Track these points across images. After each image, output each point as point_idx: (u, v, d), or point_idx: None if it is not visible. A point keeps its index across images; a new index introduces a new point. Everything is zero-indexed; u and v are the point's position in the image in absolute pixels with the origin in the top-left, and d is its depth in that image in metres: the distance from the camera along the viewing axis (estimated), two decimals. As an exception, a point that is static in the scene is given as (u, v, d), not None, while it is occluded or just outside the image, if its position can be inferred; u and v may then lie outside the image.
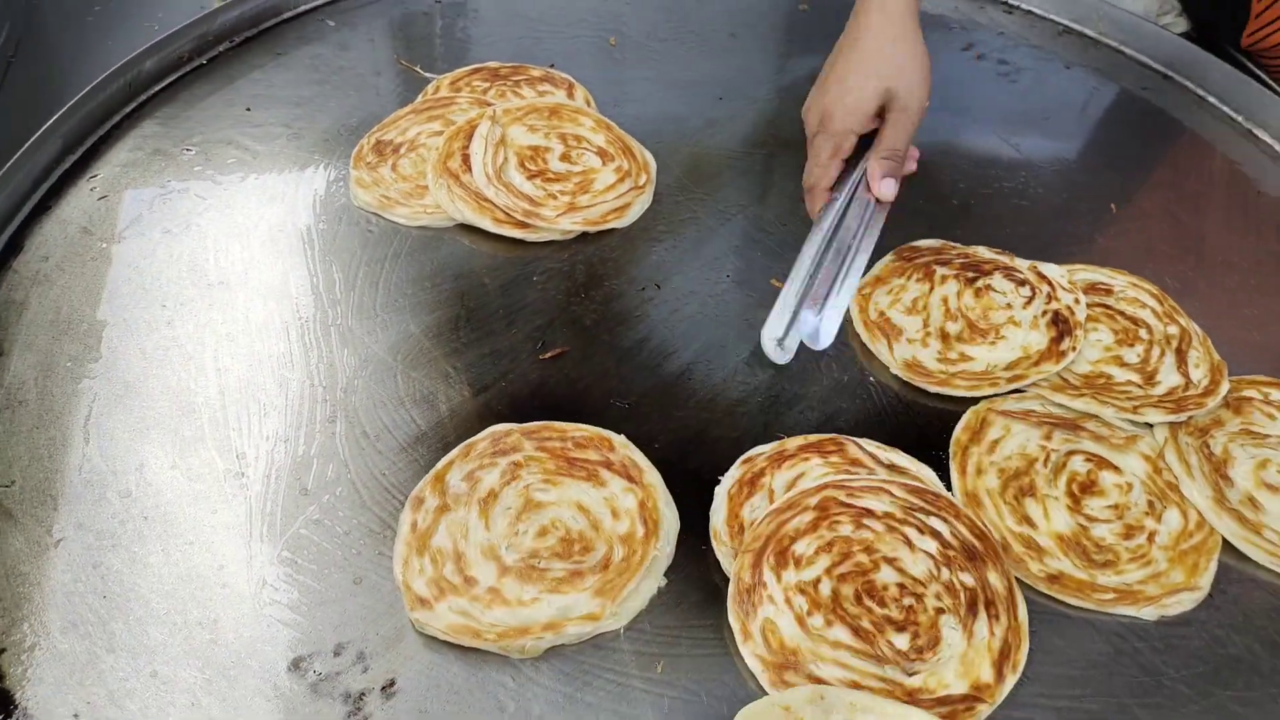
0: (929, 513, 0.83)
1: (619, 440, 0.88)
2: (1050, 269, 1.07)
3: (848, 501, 0.83)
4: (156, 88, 1.27)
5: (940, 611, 0.78)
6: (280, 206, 1.12)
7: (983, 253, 1.10)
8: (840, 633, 0.76)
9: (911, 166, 1.11)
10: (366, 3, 1.45)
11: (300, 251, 1.07)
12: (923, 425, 0.95)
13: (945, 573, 0.80)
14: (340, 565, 0.81)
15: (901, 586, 0.79)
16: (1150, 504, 0.88)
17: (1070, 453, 0.92)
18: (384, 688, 0.74)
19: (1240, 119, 1.33)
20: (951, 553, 0.81)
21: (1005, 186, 1.22)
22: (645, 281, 1.08)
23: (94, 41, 1.42)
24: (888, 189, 1.02)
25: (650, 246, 1.12)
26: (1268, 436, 0.94)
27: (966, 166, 1.25)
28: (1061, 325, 1.01)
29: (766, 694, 0.74)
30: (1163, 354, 1.00)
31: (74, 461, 0.87)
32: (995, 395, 0.96)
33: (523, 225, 1.10)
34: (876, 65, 1.02)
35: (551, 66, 1.34)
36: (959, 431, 0.93)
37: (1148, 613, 0.82)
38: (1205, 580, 0.84)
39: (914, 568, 0.80)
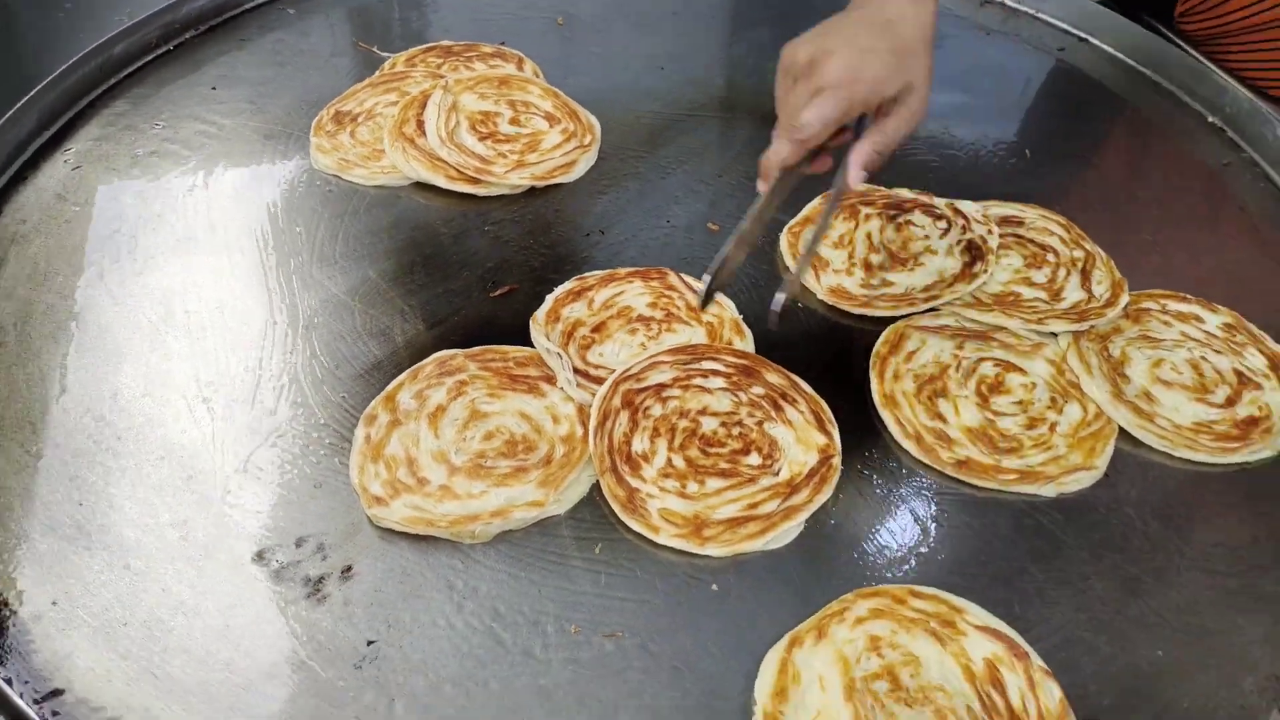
0: (699, 359, 0.96)
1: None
2: (966, 205, 1.15)
3: (639, 387, 0.94)
4: (126, 71, 1.34)
5: (760, 423, 0.92)
6: (244, 172, 1.19)
7: (904, 193, 1.18)
8: (714, 482, 0.88)
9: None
10: (326, -8, 1.54)
11: (263, 210, 1.14)
12: (847, 344, 1.02)
13: (742, 394, 0.94)
14: (300, 474, 0.87)
15: (724, 425, 0.92)
16: (1053, 400, 0.96)
17: (980, 359, 0.99)
18: (342, 572, 0.80)
19: (1149, 72, 1.42)
20: (735, 377, 0.95)
21: (927, 139, 1.30)
22: (590, 228, 1.15)
23: (66, 34, 1.49)
24: (861, 180, 0.91)
25: (595, 199, 1.19)
26: (1163, 341, 1.02)
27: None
28: (974, 251, 1.09)
29: (693, 555, 0.83)
30: (1068, 274, 1.08)
31: (51, 393, 0.93)
32: (912, 314, 1.04)
33: (474, 181, 1.17)
34: (908, 57, 0.89)
35: (502, 44, 1.42)
36: (879, 345, 1.00)
37: (1048, 490, 0.89)
38: (1102, 461, 0.91)
39: (720, 405, 0.93)
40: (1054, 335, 1.02)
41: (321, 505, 0.85)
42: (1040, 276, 1.08)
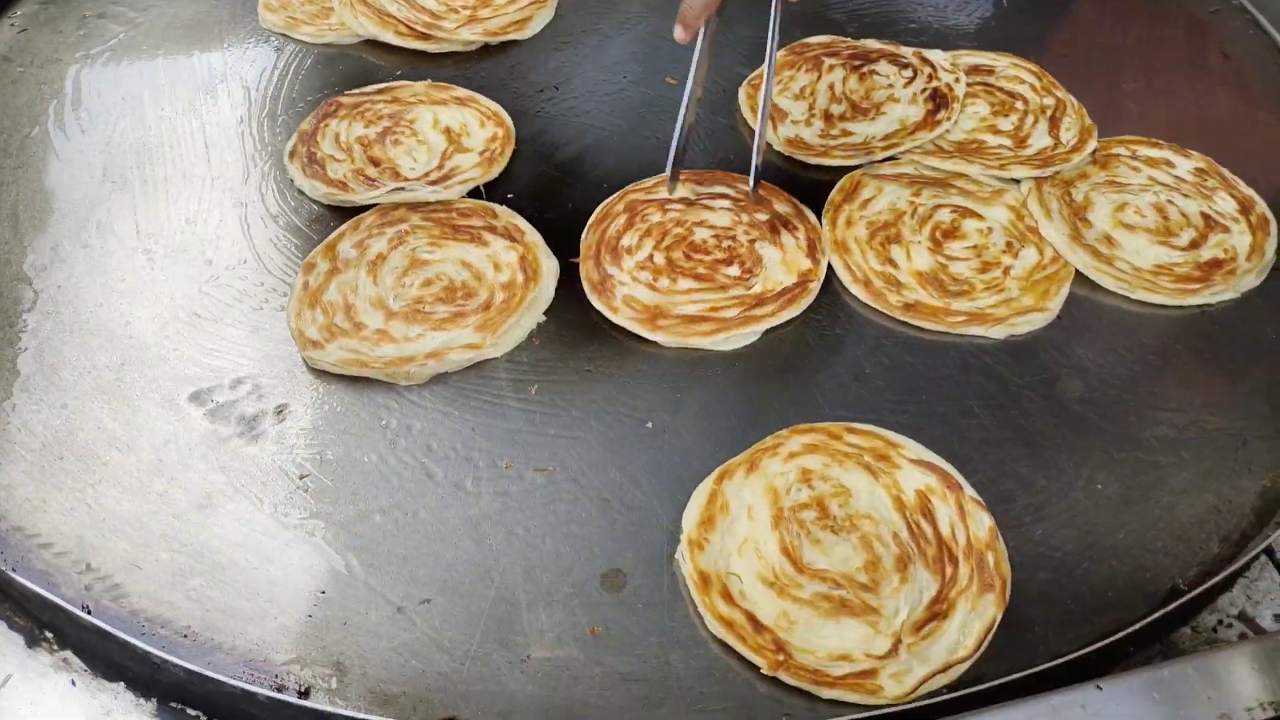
0: (713, 184, 0.98)
1: (503, 210, 0.94)
2: (934, 54, 1.11)
3: (647, 198, 0.96)
4: (75, -64, 1.30)
5: (753, 241, 0.92)
6: (192, 31, 1.16)
7: (871, 44, 1.14)
8: (685, 282, 0.89)
9: None
10: None
11: (209, 70, 1.11)
12: (802, 195, 0.99)
13: (744, 216, 0.94)
14: (238, 320, 0.87)
15: (717, 236, 0.92)
16: (1009, 244, 0.93)
17: (937, 206, 0.96)
18: (276, 411, 0.80)
19: (1139, -79, 1.35)
20: (743, 202, 0.96)
21: (902, -8, 1.25)
22: (544, 84, 1.12)
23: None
24: None
25: (551, 55, 1.15)
26: (1129, 185, 0.98)
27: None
28: (939, 100, 1.05)
29: (642, 340, 0.85)
30: (1036, 122, 1.04)
31: (-8, 245, 0.92)
32: (870, 162, 1.00)
33: (424, 37, 1.13)
34: None
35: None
36: (833, 193, 0.98)
37: (997, 331, 0.87)
38: (1055, 303, 0.89)
39: (719, 221, 0.94)
40: (1016, 182, 0.99)
41: (258, 349, 0.85)
42: (1006, 124, 1.05)
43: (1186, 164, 1.00)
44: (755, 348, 0.86)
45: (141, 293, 0.89)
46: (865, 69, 1.10)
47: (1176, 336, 0.88)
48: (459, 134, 1.03)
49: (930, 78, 1.07)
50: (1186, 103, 1.10)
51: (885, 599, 0.69)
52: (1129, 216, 0.95)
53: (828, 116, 1.06)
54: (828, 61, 1.11)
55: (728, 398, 0.83)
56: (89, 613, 0.68)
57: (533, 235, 0.92)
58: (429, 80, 1.09)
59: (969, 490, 0.75)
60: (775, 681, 0.66)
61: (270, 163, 1.01)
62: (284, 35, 1.16)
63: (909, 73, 1.08)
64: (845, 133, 1.04)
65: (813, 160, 1.02)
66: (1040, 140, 1.02)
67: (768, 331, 0.87)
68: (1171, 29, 1.19)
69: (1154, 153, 1.02)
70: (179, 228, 0.94)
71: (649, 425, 0.81)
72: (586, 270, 0.91)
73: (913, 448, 0.78)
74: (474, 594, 0.70)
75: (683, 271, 0.90)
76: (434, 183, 0.97)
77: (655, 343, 0.86)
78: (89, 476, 0.76)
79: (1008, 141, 1.03)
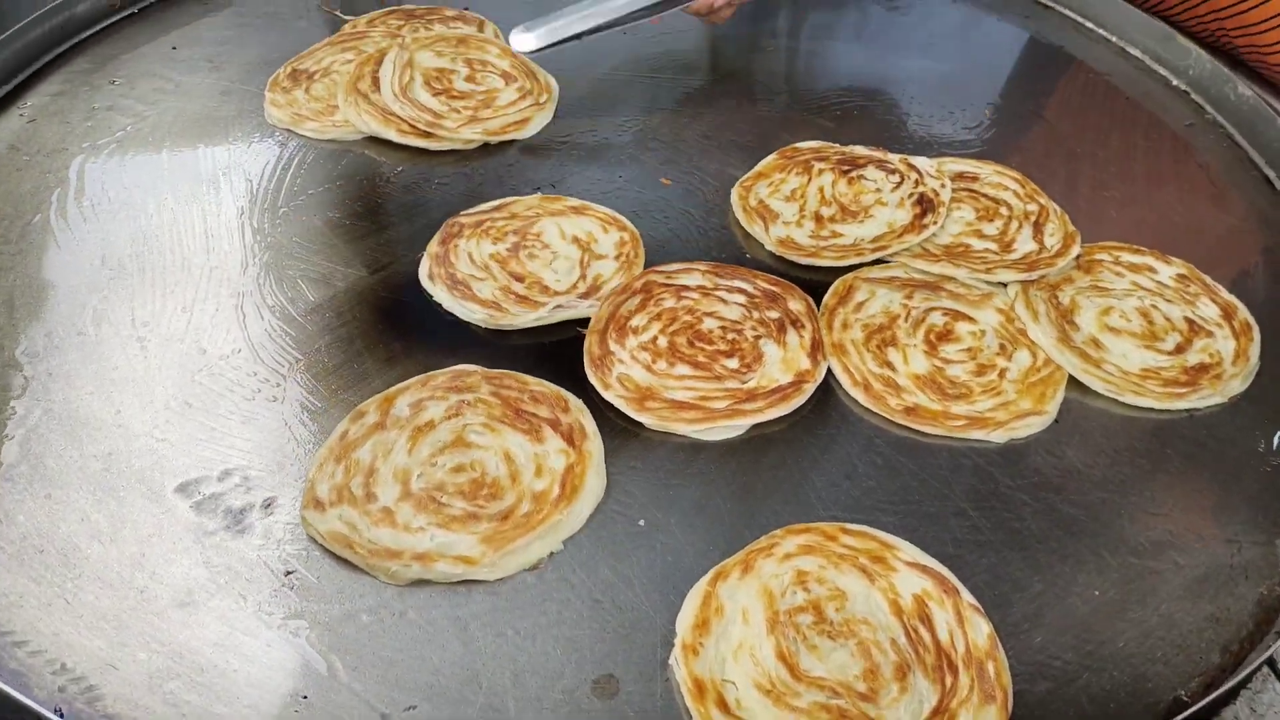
0: (733, 277, 0.99)
1: (576, 404, 0.87)
2: (920, 160, 1.14)
3: (666, 282, 0.98)
4: (89, 31, 1.33)
5: (758, 337, 0.93)
6: (198, 125, 1.19)
7: (859, 150, 1.17)
8: (682, 368, 0.90)
9: None
10: (294, -40, 1.54)
11: (213, 162, 1.13)
12: (794, 293, 1.01)
13: (755, 313, 0.96)
14: (230, 410, 0.86)
15: (724, 328, 0.95)
16: (1002, 346, 0.94)
17: (930, 309, 0.98)
18: (264, 503, 0.79)
19: (1114, 39, 1.41)
20: (758, 299, 0.97)
21: (891, 102, 1.29)
22: (542, 183, 1.14)
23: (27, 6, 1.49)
24: None
25: (549, 155, 1.18)
26: (1113, 290, 1.00)
27: (856, 86, 1.32)
28: (925, 204, 1.07)
29: (633, 433, 0.84)
30: (1020, 227, 1.07)
31: (-14, 331, 0.92)
32: (860, 264, 1.02)
33: (426, 135, 1.16)
34: None
35: (466, 9, 1.42)
36: (827, 297, 0.99)
37: (997, 436, 0.87)
38: (1052, 406, 0.89)
39: (730, 314, 0.96)
40: (1004, 286, 1.00)
41: (249, 440, 0.84)
42: (992, 229, 1.07)
43: (1168, 270, 1.03)
44: (748, 444, 0.86)
45: (134, 381, 0.88)
46: (854, 173, 1.13)
47: (1166, 440, 0.89)
48: (587, 242, 1.04)
49: (916, 183, 1.10)
50: (1166, 211, 1.13)
51: (885, 709, 0.68)
52: (1115, 320, 0.97)
53: (818, 218, 1.08)
54: (817, 165, 1.14)
55: (721, 494, 0.82)
56: (61, 716, 0.65)
57: (594, 444, 0.84)
58: (539, 193, 1.10)
59: (966, 595, 0.74)
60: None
61: (270, 254, 1.02)
62: (288, 131, 1.18)
63: (896, 178, 1.11)
64: (835, 234, 1.07)
65: (804, 260, 1.04)
66: (1025, 245, 1.05)
67: (759, 427, 0.87)
68: (1149, 140, 1.23)
69: (1136, 259, 1.04)
70: (174, 316, 0.94)
71: (641, 523, 0.80)
72: (590, 344, 0.92)
73: (908, 550, 0.77)
74: (462, 700, 0.68)
75: (682, 357, 0.91)
76: (586, 295, 0.97)
77: (648, 436, 0.86)
78: (69, 570, 0.74)
79: (993, 246, 1.05)
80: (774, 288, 0.98)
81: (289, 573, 0.75)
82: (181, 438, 0.84)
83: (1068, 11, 1.46)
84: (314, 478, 0.80)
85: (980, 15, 1.49)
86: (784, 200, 1.11)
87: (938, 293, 1.00)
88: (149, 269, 0.99)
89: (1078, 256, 1.03)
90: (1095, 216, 1.11)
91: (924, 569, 0.76)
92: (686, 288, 0.98)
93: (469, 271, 0.99)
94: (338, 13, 1.40)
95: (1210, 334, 0.96)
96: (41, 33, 1.28)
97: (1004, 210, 1.09)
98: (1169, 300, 0.99)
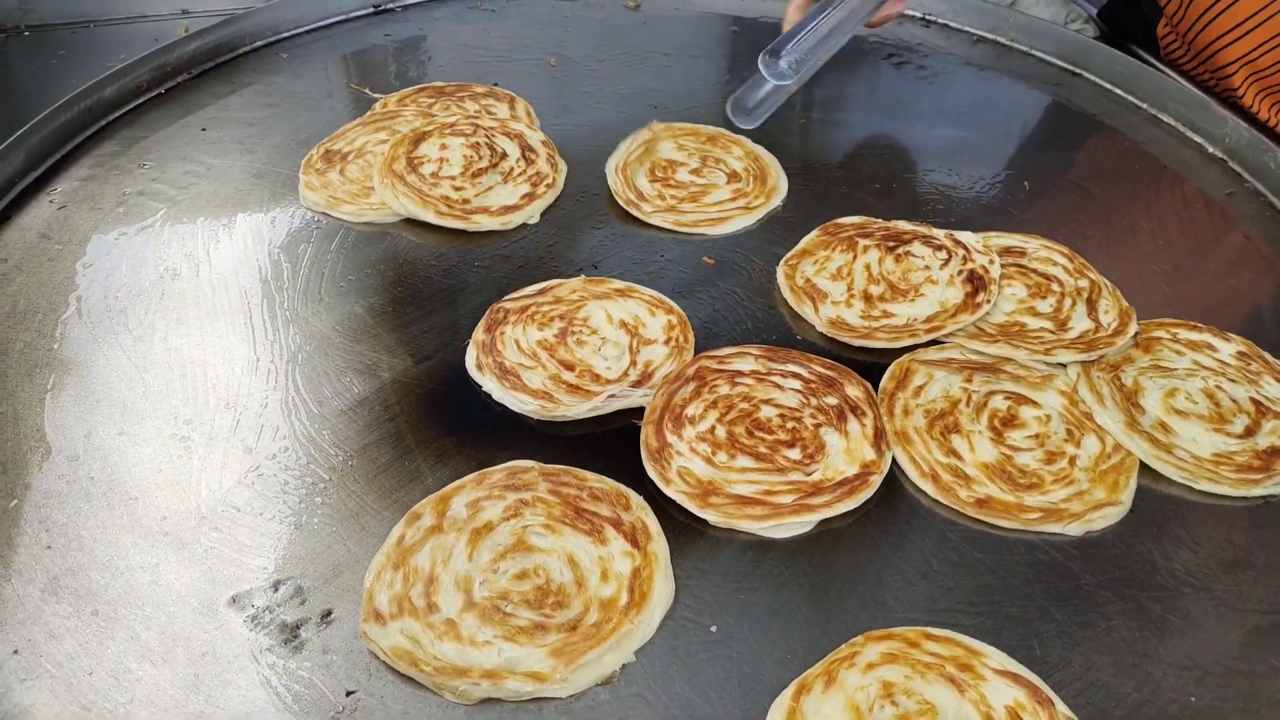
0: (786, 361, 0.97)
1: (637, 501, 0.84)
2: (966, 236, 1.13)
3: (719, 368, 0.96)
4: (116, 114, 1.33)
5: (818, 425, 0.91)
6: (231, 209, 1.17)
7: (902, 225, 1.16)
8: (743, 460, 0.88)
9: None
10: (320, 38, 1.54)
11: (249, 247, 1.12)
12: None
13: (813, 399, 0.94)
14: (280, 515, 0.83)
15: (782, 416, 0.92)
16: (1069, 432, 0.92)
17: (991, 393, 0.96)
18: (321, 617, 0.76)
19: (1146, 106, 1.41)
20: (814, 384, 0.95)
21: (926, 172, 1.29)
22: (583, 263, 1.12)
23: (60, 80, 1.49)
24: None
25: (590, 233, 1.17)
26: (1175, 370, 0.99)
27: (889, 157, 1.32)
28: (976, 282, 1.06)
29: (696, 530, 0.80)
30: (1074, 304, 1.05)
31: (26, 432, 0.89)
32: (915, 346, 1.00)
33: (465, 217, 1.15)
34: None
35: (495, 84, 1.41)
36: (885, 381, 0.97)
37: (1074, 528, 0.84)
38: (1127, 495, 0.87)
39: (787, 401, 0.93)
40: (1063, 366, 0.99)
41: (301, 547, 0.81)
42: (1045, 306, 1.06)
43: (1228, 347, 1.01)
44: (817, 541, 0.84)
45: (178, 484, 0.85)
46: (900, 250, 1.11)
47: (1246, 530, 0.86)
48: (635, 326, 1.02)
49: (965, 259, 1.09)
50: (1216, 283, 1.12)
51: None
52: (1180, 403, 0.95)
53: (867, 297, 1.07)
54: (862, 242, 1.13)
55: (794, 597, 0.79)
56: None
57: (659, 545, 0.81)
58: (582, 275, 1.08)
59: (1061, 707, 0.71)
60: None
61: (313, 345, 0.99)
62: (324, 214, 1.17)
63: (944, 254, 1.10)
64: (886, 314, 1.05)
65: (856, 342, 1.02)
66: (1081, 323, 1.03)
67: (826, 522, 0.85)
68: (1191, 210, 1.22)
69: (1194, 335, 1.02)
70: (218, 413, 0.92)
71: (714, 629, 0.77)
72: (646, 436, 0.89)
73: (996, 656, 0.74)
74: (542, 833, 0.65)
75: (742, 448, 0.89)
76: (638, 382, 0.95)
77: (712, 534, 0.83)
78: (120, 695, 0.71)
79: (1048, 324, 1.03)
80: (830, 372, 0.96)
81: (350, 693, 0.72)
82: (231, 546, 0.81)
83: (1098, 79, 1.47)
84: (372, 588, 0.77)
85: (1009, 83, 1.49)
86: (830, 279, 1.09)
87: (998, 375, 0.98)
88: (189, 363, 0.97)
89: (1136, 334, 1.01)
90: (1144, 290, 1.09)
91: (1015, 678, 0.73)
92: (740, 373, 0.96)
93: (517, 360, 0.97)
94: (367, 90, 1.40)
95: (1278, 415, 0.94)
96: (70, 116, 1.27)
97: (1055, 286, 1.07)
98: (1233, 380, 0.97)
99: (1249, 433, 0.92)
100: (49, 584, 0.77)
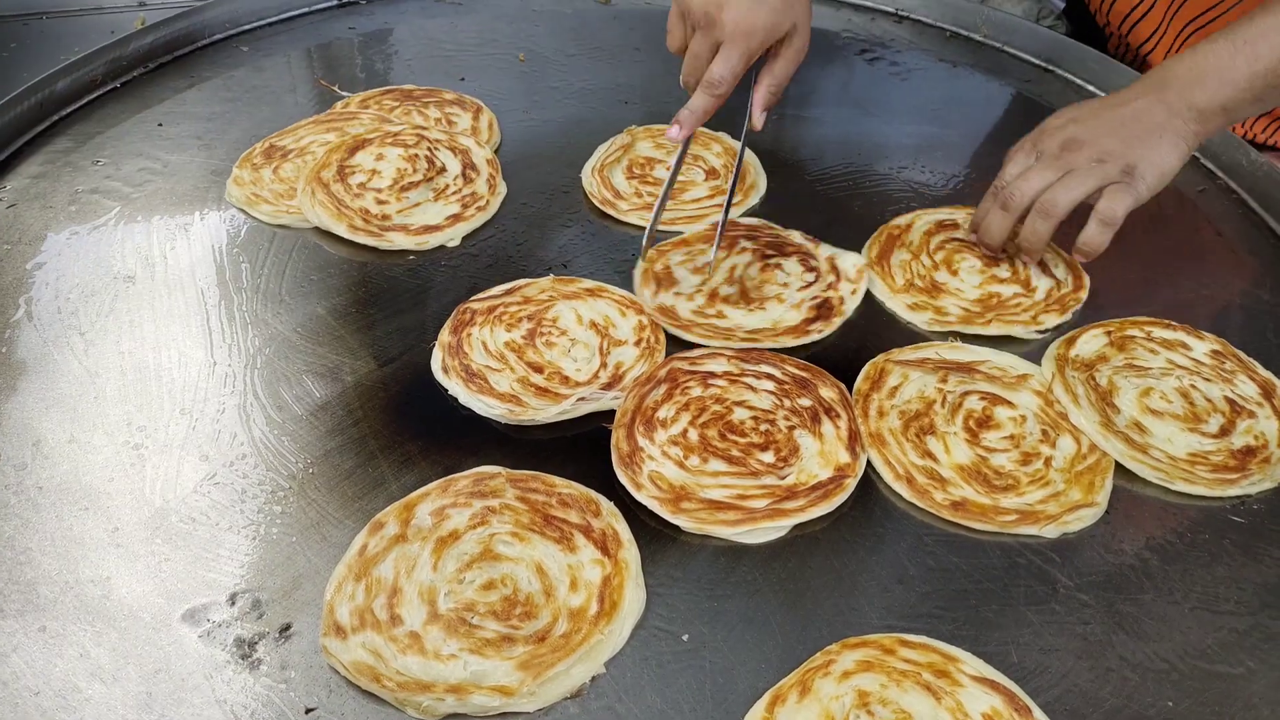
0: (759, 362, 0.96)
1: (607, 507, 0.82)
2: (848, 261, 1.09)
3: (691, 369, 0.94)
4: (69, 109, 1.29)
5: (792, 428, 0.90)
6: (188, 207, 1.14)
7: (795, 237, 1.13)
8: (716, 464, 0.86)
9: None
10: (282, 30, 1.50)
11: (207, 247, 1.08)
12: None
13: (787, 401, 0.92)
14: (237, 523, 0.81)
15: (755, 419, 0.91)
16: (1044, 433, 0.91)
17: (966, 393, 0.95)
18: (279, 632, 0.73)
19: (1117, 104, 1.41)
20: (787, 385, 0.94)
21: (899, 169, 1.28)
22: (552, 262, 1.10)
23: (10, 73, 1.44)
24: (762, 120, 1.02)
25: (559, 231, 1.15)
26: (1150, 369, 0.98)
27: (861, 153, 1.31)
28: (824, 309, 1.03)
29: (668, 536, 0.79)
30: (1027, 264, 1.09)
31: (-33, 441, 0.86)
32: (726, 347, 0.98)
33: (377, 234, 1.09)
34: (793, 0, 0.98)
35: (462, 79, 1.39)
36: (860, 381, 0.95)
37: (1050, 530, 0.83)
38: (1103, 497, 0.86)
39: (760, 403, 0.92)
40: (1038, 365, 0.98)
41: (260, 558, 0.78)
42: (1004, 272, 1.08)
43: (1202, 346, 1.01)
44: (791, 546, 0.82)
45: (131, 494, 0.82)
46: (774, 260, 1.09)
47: (1221, 530, 0.85)
48: (605, 327, 1.00)
49: (830, 286, 1.06)
50: (1188, 281, 1.12)
51: None
52: (1155, 402, 0.94)
53: (713, 295, 1.05)
54: (742, 243, 1.11)
55: (768, 604, 0.77)
56: None
57: (630, 552, 0.79)
58: (551, 274, 1.06)
59: (1038, 713, 0.70)
60: None
61: (273, 347, 0.96)
62: (243, 211, 1.13)
63: (811, 275, 1.07)
64: (720, 314, 1.03)
65: (672, 329, 1.00)
66: (1041, 282, 1.08)
67: (800, 526, 0.83)
68: (1163, 208, 1.22)
69: (1169, 334, 1.02)
70: (173, 420, 0.89)
71: (686, 638, 0.75)
72: (617, 440, 0.87)
73: (972, 663, 0.73)
74: None
75: (715, 452, 0.87)
76: (609, 385, 0.93)
77: (685, 540, 0.81)
78: (68, 716, 0.68)
79: (1017, 288, 1.06)
80: (804, 373, 0.95)
81: (309, 710, 0.69)
82: (186, 558, 0.78)
83: (1070, 76, 1.47)
84: (333, 600, 0.74)
85: (981, 79, 1.48)
86: (692, 271, 1.08)
87: (972, 375, 0.96)
88: (143, 367, 0.93)
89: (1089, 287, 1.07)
90: (1118, 287, 1.09)
91: (992, 684, 0.71)
92: (713, 374, 0.94)
93: (484, 362, 0.94)
94: (336, 88, 1.36)
95: (1253, 414, 0.94)
96: (20, 111, 1.23)
97: (1002, 254, 1.10)
98: (1207, 379, 0.97)
99: (1224, 432, 0.92)
100: (-7, 600, 0.74)
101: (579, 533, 0.80)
